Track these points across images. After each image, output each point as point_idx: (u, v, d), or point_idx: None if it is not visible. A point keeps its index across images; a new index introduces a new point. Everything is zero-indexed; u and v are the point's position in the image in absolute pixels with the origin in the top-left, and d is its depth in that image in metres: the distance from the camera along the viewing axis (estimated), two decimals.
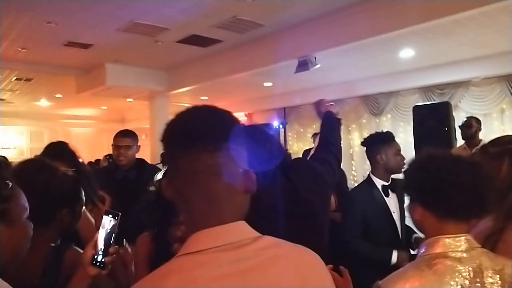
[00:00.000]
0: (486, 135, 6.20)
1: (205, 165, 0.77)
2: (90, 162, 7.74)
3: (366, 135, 8.07)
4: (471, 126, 4.43)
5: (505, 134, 6.13)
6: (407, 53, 5.82)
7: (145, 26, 5.51)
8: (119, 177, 2.92)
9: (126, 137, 3.02)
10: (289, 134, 9.74)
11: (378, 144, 2.68)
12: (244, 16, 5.23)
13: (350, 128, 8.60)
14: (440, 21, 4.26)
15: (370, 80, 7.43)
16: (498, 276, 1.14)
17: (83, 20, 5.26)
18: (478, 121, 4.53)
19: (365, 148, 2.71)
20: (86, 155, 7.01)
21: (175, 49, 6.56)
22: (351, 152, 8.39)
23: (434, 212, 1.21)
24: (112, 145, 3.01)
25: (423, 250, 1.21)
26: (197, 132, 0.78)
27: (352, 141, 8.48)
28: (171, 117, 0.85)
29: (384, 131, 2.82)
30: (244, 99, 9.93)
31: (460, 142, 4.88)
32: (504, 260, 1.18)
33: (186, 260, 0.75)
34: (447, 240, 1.18)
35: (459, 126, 4.60)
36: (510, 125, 6.20)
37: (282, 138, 9.37)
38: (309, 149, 3.98)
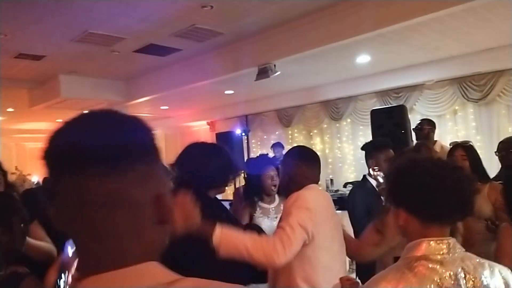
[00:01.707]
0: (440, 136, 6.48)
1: (96, 193, 0.58)
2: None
3: (327, 139, 8.38)
4: (423, 128, 4.59)
5: (458, 134, 6.43)
6: (363, 58, 5.98)
7: (100, 36, 5.36)
8: None
9: None
10: (253, 141, 9.75)
11: (371, 150, 3.10)
12: (202, 24, 5.20)
13: (311, 134, 8.72)
14: (393, 27, 4.40)
15: (329, 85, 7.58)
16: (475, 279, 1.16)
17: (34, 31, 5.06)
18: (431, 123, 4.69)
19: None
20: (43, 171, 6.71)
21: (132, 59, 6.42)
22: None
23: (419, 217, 1.23)
24: None
25: (404, 253, 1.23)
26: (86, 149, 0.58)
27: (314, 146, 8.58)
28: (56, 127, 0.64)
29: (379, 138, 3.37)
30: (206, 107, 9.85)
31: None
32: (490, 264, 1.21)
33: None
34: (430, 242, 1.19)
35: (413, 129, 4.75)
36: (463, 126, 6.49)
37: (245, 145, 9.36)
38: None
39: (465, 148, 2.98)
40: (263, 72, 5.68)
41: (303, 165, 2.19)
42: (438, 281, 1.13)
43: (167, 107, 9.39)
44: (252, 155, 9.59)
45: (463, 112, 6.48)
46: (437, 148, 4.52)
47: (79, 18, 4.80)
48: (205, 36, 5.58)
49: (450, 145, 3.21)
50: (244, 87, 7.16)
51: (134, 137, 0.63)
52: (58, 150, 0.61)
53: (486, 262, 1.22)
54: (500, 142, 3.48)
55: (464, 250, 1.23)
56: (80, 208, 0.59)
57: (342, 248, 2.16)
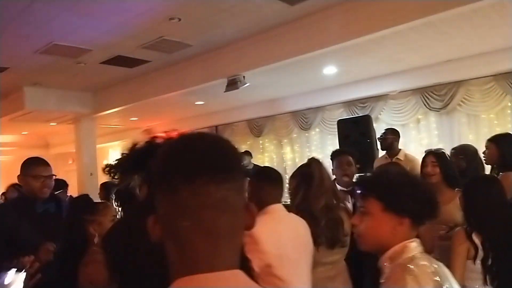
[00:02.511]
0: (405, 144, 6.68)
1: (212, 198, 0.68)
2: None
3: (297, 149, 8.47)
4: (387, 138, 4.73)
5: (422, 142, 6.63)
6: (330, 70, 6.13)
7: (65, 48, 5.29)
8: (38, 210, 2.71)
9: (49, 166, 2.74)
10: None
11: (331, 158, 3.59)
12: (171, 37, 5.21)
13: (282, 143, 8.81)
14: (357, 40, 4.54)
15: (298, 96, 7.71)
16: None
17: None
18: (395, 132, 4.83)
19: None
20: (5, 185, 6.48)
21: (99, 71, 6.35)
22: (284, 166, 8.59)
23: (415, 220, 1.37)
24: (30, 176, 2.65)
25: (390, 261, 1.33)
26: (206, 161, 0.70)
27: (285, 155, 8.69)
28: (166, 147, 0.76)
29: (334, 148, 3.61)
30: (176, 118, 9.81)
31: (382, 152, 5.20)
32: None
33: None
34: (412, 243, 1.33)
35: (377, 138, 4.89)
36: (426, 134, 6.72)
37: None
38: None
39: (436, 155, 3.05)
40: (233, 84, 5.73)
41: (265, 185, 2.21)
42: (433, 276, 1.23)
43: (136, 118, 9.29)
44: None
45: (426, 121, 6.72)
46: (401, 156, 4.67)
47: (44, 30, 4.73)
48: (173, 48, 5.60)
49: (425, 152, 3.30)
50: (214, 98, 7.19)
51: (235, 153, 0.76)
52: (180, 163, 0.71)
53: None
54: (452, 149, 3.66)
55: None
56: (199, 211, 0.68)
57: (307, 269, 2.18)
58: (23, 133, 11.64)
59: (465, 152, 3.72)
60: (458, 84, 6.17)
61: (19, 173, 2.70)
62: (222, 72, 5.74)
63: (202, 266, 0.67)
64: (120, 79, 6.98)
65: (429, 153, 3.12)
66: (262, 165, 7.82)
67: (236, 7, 4.51)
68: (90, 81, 6.98)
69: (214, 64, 5.83)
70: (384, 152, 4.92)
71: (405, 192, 1.35)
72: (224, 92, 5.79)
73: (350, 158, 3.46)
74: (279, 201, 2.24)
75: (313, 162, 2.55)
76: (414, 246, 1.32)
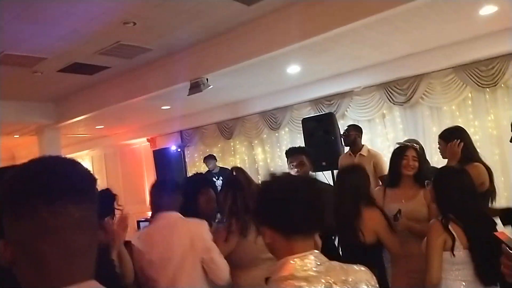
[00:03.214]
0: (371, 139, 6.77)
1: (71, 218, 0.72)
2: None
3: (268, 149, 8.46)
4: (350, 134, 4.76)
5: (388, 137, 6.72)
6: (293, 69, 6.13)
7: (19, 57, 5.10)
8: None
9: None
10: (195, 155, 9.63)
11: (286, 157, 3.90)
12: (128, 41, 5.09)
13: (253, 144, 8.77)
14: (315, 39, 4.54)
15: (265, 96, 7.69)
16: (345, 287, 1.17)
17: None
18: (357, 128, 4.87)
19: None
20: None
21: (58, 79, 6.16)
22: (256, 167, 8.55)
23: (282, 231, 1.25)
24: None
25: (274, 274, 1.23)
26: (65, 183, 0.73)
27: (256, 156, 8.65)
28: (17, 170, 0.76)
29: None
30: (144, 124, 9.64)
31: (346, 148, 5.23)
32: (353, 270, 1.24)
33: None
34: (294, 260, 1.20)
35: (341, 135, 4.91)
36: (391, 128, 6.80)
37: (185, 160, 9.26)
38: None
39: (417, 151, 3.09)
40: (196, 87, 5.65)
41: (152, 194, 2.52)
42: None
43: (102, 126, 9.08)
44: (196, 169, 9.48)
45: (391, 116, 6.79)
46: (364, 152, 4.70)
47: None
48: (132, 52, 5.48)
49: (397, 144, 3.33)
50: (180, 102, 7.08)
51: (89, 174, 0.79)
52: (39, 185, 0.72)
53: (349, 268, 1.24)
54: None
55: (329, 261, 1.25)
56: (58, 231, 0.70)
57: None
58: None
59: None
60: (419, 77, 6.26)
61: None
62: (184, 75, 5.65)
63: (59, 282, 0.70)
64: (81, 87, 6.79)
65: (410, 147, 3.11)
66: (225, 167, 7.78)
67: (193, 9, 4.44)
68: (49, 90, 6.77)
69: (176, 67, 5.73)
70: (347, 148, 4.94)
71: (258, 202, 1.35)
72: (187, 95, 5.70)
73: (303, 157, 3.47)
74: (171, 209, 2.46)
75: (236, 170, 2.78)
76: (297, 262, 1.19)
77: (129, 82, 6.40)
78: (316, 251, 1.25)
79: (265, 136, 8.53)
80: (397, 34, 4.98)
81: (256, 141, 8.73)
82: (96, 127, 9.00)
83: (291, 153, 3.74)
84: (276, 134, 8.31)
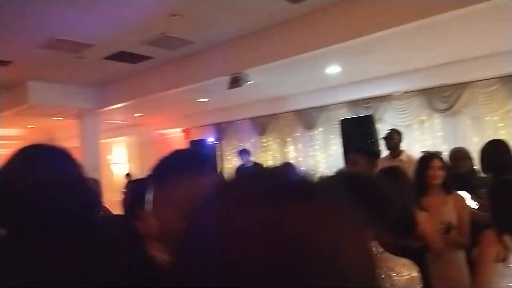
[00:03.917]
0: (408, 145, 6.62)
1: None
2: None
3: (300, 148, 8.43)
4: (393, 138, 4.67)
5: (425, 144, 6.58)
6: (333, 69, 6.07)
7: (68, 43, 5.29)
8: None
9: None
10: (228, 149, 9.73)
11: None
12: (173, 33, 5.20)
13: (285, 142, 8.77)
14: (360, 39, 4.49)
15: (302, 95, 7.66)
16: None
17: (1, 36, 4.94)
18: (399, 133, 4.79)
19: None
20: None
21: (102, 66, 6.36)
22: None
23: None
24: None
25: None
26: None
27: (288, 154, 8.65)
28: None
29: None
30: (180, 115, 9.80)
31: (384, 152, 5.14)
32: (406, 263, 1.40)
33: None
34: None
35: (382, 138, 4.83)
36: (430, 135, 6.65)
37: (219, 153, 9.36)
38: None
39: (442, 160, 3.05)
40: (235, 81, 5.70)
41: None
42: None
43: (140, 114, 9.30)
44: (227, 163, 9.59)
45: (430, 122, 6.65)
46: (403, 157, 4.61)
47: (47, 24, 4.73)
48: (175, 44, 5.58)
49: (422, 152, 3.27)
50: (217, 95, 7.17)
51: None
52: None
53: (405, 261, 1.40)
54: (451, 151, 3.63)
55: (384, 251, 1.40)
56: None
57: None
58: (27, 127, 11.70)
59: (463, 155, 3.76)
60: (463, 86, 6.10)
61: None
62: (225, 69, 5.71)
63: None
64: (123, 75, 6.98)
65: (435, 156, 3.07)
66: (265, 164, 7.81)
67: (238, 4, 4.48)
68: (93, 76, 6.99)
69: (216, 61, 5.80)
70: (387, 152, 4.86)
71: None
72: (227, 89, 5.76)
73: (357, 156, 3.44)
74: None
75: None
76: None
77: (169, 73, 6.52)
78: (375, 241, 1.37)
79: (298, 134, 8.52)
80: (442, 41, 4.86)
81: (288, 139, 8.73)
82: (134, 115, 9.22)
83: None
84: (310, 134, 8.27)
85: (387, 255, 1.39)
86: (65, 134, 12.26)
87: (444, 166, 3.00)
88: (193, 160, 1.04)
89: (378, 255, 1.35)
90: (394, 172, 2.85)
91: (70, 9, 4.38)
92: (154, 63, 6.40)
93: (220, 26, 5.06)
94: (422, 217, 2.60)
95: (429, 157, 3.08)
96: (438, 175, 2.91)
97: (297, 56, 5.11)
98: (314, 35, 4.84)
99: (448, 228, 2.72)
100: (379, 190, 1.41)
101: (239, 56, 5.60)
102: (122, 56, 5.95)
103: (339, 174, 1.54)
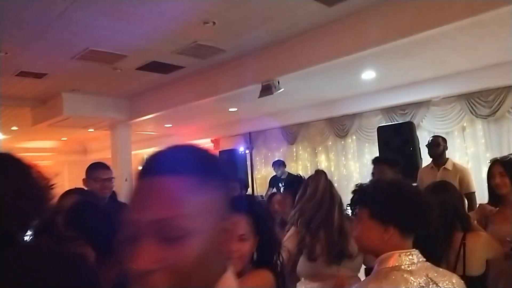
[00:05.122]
0: (449, 153, 6.31)
1: None
2: None
3: (332, 157, 8.23)
4: (439, 145, 4.41)
5: (467, 151, 6.25)
6: (368, 75, 5.88)
7: (102, 54, 5.32)
8: None
9: (108, 169, 3.12)
10: (257, 159, 9.62)
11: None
12: (204, 41, 5.14)
13: (316, 151, 8.58)
14: (398, 42, 4.29)
15: (334, 102, 7.47)
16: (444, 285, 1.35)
17: (35, 48, 5.03)
18: (445, 140, 4.53)
19: None
20: None
21: (135, 76, 6.38)
22: None
23: (404, 229, 1.42)
24: (91, 178, 3.01)
25: (378, 265, 1.40)
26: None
27: (320, 163, 8.44)
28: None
29: None
30: (209, 125, 9.78)
31: (425, 161, 4.89)
32: (447, 273, 1.42)
33: None
34: (401, 255, 1.37)
35: (426, 145, 4.56)
36: (472, 142, 6.33)
37: (248, 163, 9.24)
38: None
39: (504, 164, 2.70)
40: (267, 89, 5.59)
41: None
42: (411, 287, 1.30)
43: (170, 125, 9.32)
44: (256, 173, 9.46)
45: (472, 129, 6.32)
46: (448, 166, 4.35)
47: (80, 35, 4.76)
48: (207, 53, 5.53)
49: (490, 161, 2.93)
50: (247, 104, 7.08)
51: None
52: None
53: (445, 272, 1.42)
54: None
55: (425, 260, 1.40)
56: None
57: None
58: (62, 139, 11.96)
59: None
60: (507, 89, 5.77)
61: (61, 177, 2.86)
62: (256, 77, 5.61)
63: None
64: (155, 85, 6.99)
65: (495, 161, 2.76)
66: (296, 174, 7.64)
67: (272, 9, 4.38)
68: (125, 87, 7.04)
69: (248, 69, 5.71)
70: (429, 160, 4.60)
71: (388, 201, 1.43)
72: (258, 97, 5.64)
73: (385, 168, 3.26)
74: None
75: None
76: (402, 257, 1.37)
77: (200, 82, 6.48)
78: (416, 250, 1.41)
79: (330, 143, 8.32)
80: (489, 40, 4.59)
81: (320, 148, 8.54)
82: (165, 125, 9.25)
83: (375, 162, 3.55)
84: (342, 142, 8.06)
85: (427, 264, 1.41)
86: (97, 145, 12.48)
87: (510, 171, 2.63)
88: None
89: (418, 264, 1.37)
90: (443, 186, 2.58)
91: (103, 19, 4.38)
92: (185, 73, 6.38)
93: (253, 32, 4.97)
94: (481, 239, 2.31)
95: (491, 164, 2.78)
96: (499, 183, 2.63)
97: (331, 62, 4.96)
98: (349, 39, 4.67)
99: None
100: (421, 197, 1.48)
101: (272, 63, 5.49)
102: (154, 66, 5.95)
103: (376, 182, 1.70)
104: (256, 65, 5.66)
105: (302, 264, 2.30)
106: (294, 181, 2.78)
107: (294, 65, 5.30)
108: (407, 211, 1.41)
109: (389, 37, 4.29)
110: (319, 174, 2.50)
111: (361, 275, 2.43)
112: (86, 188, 2.93)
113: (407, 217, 1.41)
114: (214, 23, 4.54)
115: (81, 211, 1.55)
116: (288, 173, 7.51)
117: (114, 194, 3.12)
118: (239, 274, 1.44)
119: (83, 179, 3.06)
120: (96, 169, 3.04)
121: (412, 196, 1.45)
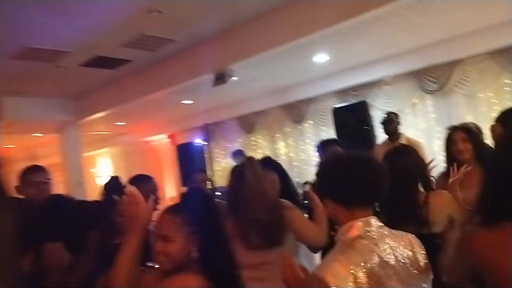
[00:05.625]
0: (402, 129, 6.48)
1: None
2: None
3: (291, 143, 8.24)
4: (392, 121, 4.51)
5: (419, 127, 6.42)
6: (321, 58, 5.90)
7: (42, 51, 5.00)
8: None
9: (45, 171, 2.83)
10: (216, 150, 9.49)
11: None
12: (152, 32, 4.95)
13: (275, 138, 8.57)
14: (349, 22, 4.31)
15: (289, 88, 7.47)
16: (408, 250, 1.42)
17: None
18: (397, 116, 4.65)
19: None
20: None
21: (80, 74, 6.06)
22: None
23: (343, 203, 1.44)
24: (26, 183, 2.69)
25: (341, 236, 1.42)
26: None
27: (278, 150, 8.45)
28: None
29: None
30: (165, 120, 9.53)
31: (380, 138, 4.99)
32: (404, 234, 1.48)
33: None
34: (359, 223, 1.40)
35: (380, 122, 4.66)
36: (423, 118, 6.52)
37: (207, 155, 9.10)
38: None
39: (465, 130, 2.72)
40: (220, 78, 5.49)
41: None
42: (377, 253, 1.33)
43: (124, 123, 8.99)
44: (216, 165, 9.34)
45: (422, 105, 6.51)
46: (403, 141, 4.46)
47: (17, 33, 4.44)
48: (155, 44, 5.33)
49: (448, 129, 2.89)
50: (202, 96, 6.94)
51: None
52: None
53: (402, 233, 1.48)
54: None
55: (383, 225, 1.43)
56: None
57: None
58: (6, 146, 11.26)
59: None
60: (453, 64, 5.97)
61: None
62: (209, 66, 5.49)
63: None
64: (102, 82, 6.69)
65: (455, 128, 2.77)
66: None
67: None
68: (71, 86, 6.69)
69: (200, 59, 5.56)
70: (383, 138, 4.71)
71: (326, 179, 1.51)
72: (212, 87, 5.54)
73: (336, 149, 3.27)
74: None
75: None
76: (360, 226, 1.39)
77: (151, 76, 6.26)
78: (374, 216, 1.43)
79: (288, 129, 8.33)
80: (435, 16, 4.70)
81: (278, 135, 8.53)
82: (117, 123, 8.91)
83: (324, 145, 3.53)
84: (300, 127, 8.09)
85: (386, 229, 1.44)
86: (47, 150, 11.85)
87: (472, 138, 2.66)
88: None
89: (378, 229, 1.40)
90: (403, 150, 2.58)
91: (41, 14, 4.10)
92: (134, 67, 6.13)
93: (202, 21, 4.84)
94: (442, 196, 2.34)
95: (450, 131, 2.78)
96: (462, 148, 2.64)
97: (283, 46, 4.92)
98: (301, 22, 4.65)
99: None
100: (370, 165, 1.47)
101: (224, 51, 5.38)
102: (99, 62, 5.67)
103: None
104: (207, 54, 5.51)
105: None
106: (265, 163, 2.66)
107: (247, 52, 5.22)
108: (343, 187, 1.43)
109: (339, 18, 4.30)
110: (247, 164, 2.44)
111: None
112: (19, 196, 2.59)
113: (345, 192, 1.43)
114: (159, 11, 4.36)
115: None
116: (247, 157, 7.44)
117: (54, 199, 2.75)
118: (170, 274, 1.44)
119: (16, 186, 2.67)
120: (31, 172, 2.73)
121: (351, 167, 1.45)
